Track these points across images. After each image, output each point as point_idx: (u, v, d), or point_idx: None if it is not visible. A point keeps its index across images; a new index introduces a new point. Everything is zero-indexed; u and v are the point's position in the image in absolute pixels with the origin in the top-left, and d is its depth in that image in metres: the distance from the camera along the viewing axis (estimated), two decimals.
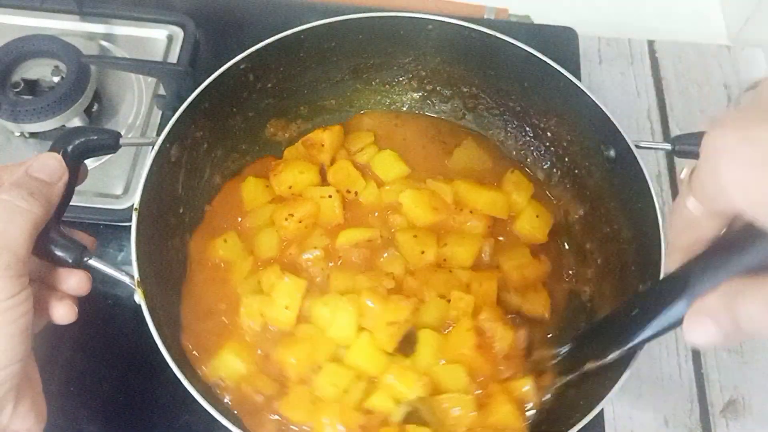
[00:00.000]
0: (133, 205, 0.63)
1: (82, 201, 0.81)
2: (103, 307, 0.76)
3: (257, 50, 0.72)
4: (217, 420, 0.57)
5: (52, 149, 0.56)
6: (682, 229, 0.42)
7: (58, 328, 0.57)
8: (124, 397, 0.75)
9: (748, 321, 0.35)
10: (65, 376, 0.73)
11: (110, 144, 0.61)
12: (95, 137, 0.59)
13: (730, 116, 0.36)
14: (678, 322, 0.41)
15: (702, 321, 0.38)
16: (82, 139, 0.58)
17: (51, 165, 0.54)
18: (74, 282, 0.56)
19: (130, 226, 0.62)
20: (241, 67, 0.72)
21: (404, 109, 0.86)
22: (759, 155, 0.33)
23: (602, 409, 0.59)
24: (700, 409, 0.79)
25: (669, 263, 0.44)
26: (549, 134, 0.79)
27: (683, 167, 0.40)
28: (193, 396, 0.58)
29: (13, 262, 0.48)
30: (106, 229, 0.83)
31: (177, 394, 0.57)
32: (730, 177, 0.34)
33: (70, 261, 0.55)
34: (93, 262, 0.56)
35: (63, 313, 0.56)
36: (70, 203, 0.58)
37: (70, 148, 0.57)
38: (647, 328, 0.48)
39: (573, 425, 0.59)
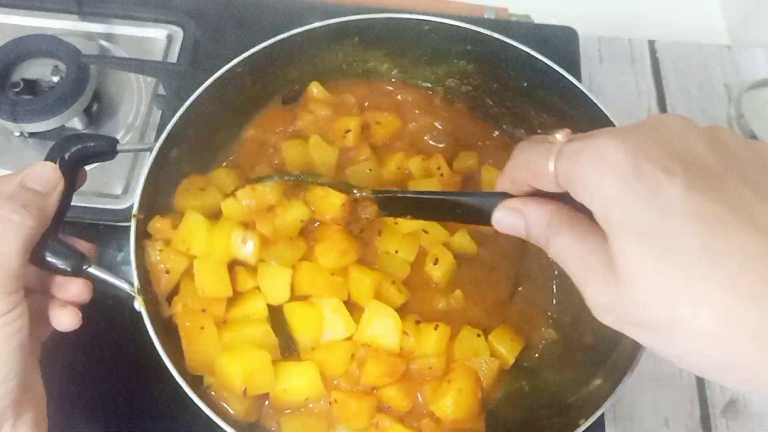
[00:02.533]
0: (132, 205, 0.63)
1: (81, 201, 0.80)
2: (102, 307, 0.75)
3: (253, 54, 0.71)
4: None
5: (48, 158, 0.55)
6: (525, 170, 0.42)
7: (57, 329, 0.57)
8: (124, 397, 0.75)
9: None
10: (65, 377, 0.73)
11: (107, 150, 0.60)
12: (92, 144, 0.59)
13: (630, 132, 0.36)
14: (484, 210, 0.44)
15: (508, 213, 0.43)
16: (79, 146, 0.57)
17: (46, 175, 0.53)
18: (74, 290, 0.56)
19: (130, 226, 0.62)
20: (238, 71, 0.71)
21: None
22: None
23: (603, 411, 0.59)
24: (700, 409, 0.79)
25: (499, 183, 0.45)
26: (547, 134, 0.79)
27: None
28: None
29: (5, 278, 0.48)
30: (106, 230, 0.82)
31: (177, 394, 0.57)
32: (600, 195, 0.35)
33: (69, 270, 0.54)
34: (93, 270, 0.56)
35: (66, 320, 0.55)
36: (70, 206, 0.57)
37: (66, 155, 0.56)
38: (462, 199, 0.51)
39: (575, 427, 0.59)
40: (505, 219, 0.43)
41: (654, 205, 0.33)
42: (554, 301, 0.74)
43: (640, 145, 0.34)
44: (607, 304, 0.35)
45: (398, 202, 0.61)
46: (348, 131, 0.75)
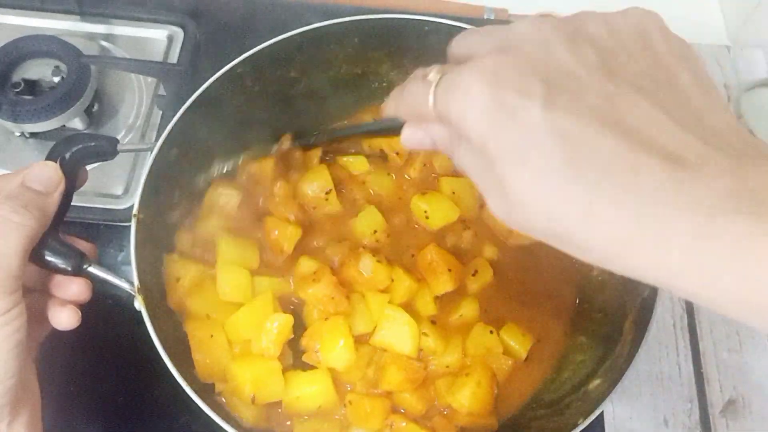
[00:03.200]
0: (133, 205, 0.63)
1: (82, 201, 0.81)
2: (103, 307, 0.75)
3: (254, 54, 0.71)
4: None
5: (49, 157, 0.56)
6: (410, 107, 0.43)
7: (56, 329, 0.57)
8: (124, 397, 0.75)
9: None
10: (65, 377, 0.73)
11: (108, 150, 0.60)
12: (93, 144, 0.59)
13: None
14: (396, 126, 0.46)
15: (413, 129, 0.43)
16: (80, 146, 0.57)
17: (47, 174, 0.53)
18: (74, 290, 0.55)
19: (131, 226, 0.62)
20: (239, 70, 0.72)
21: None
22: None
23: (602, 410, 0.59)
24: (699, 409, 0.79)
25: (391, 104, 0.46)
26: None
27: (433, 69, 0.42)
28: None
29: (4, 278, 0.47)
30: (106, 230, 0.83)
31: (177, 394, 0.57)
32: (468, 126, 0.36)
33: (69, 269, 0.54)
34: (93, 270, 0.56)
35: (65, 319, 0.55)
36: (70, 205, 0.57)
37: (67, 155, 0.56)
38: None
39: (575, 426, 0.59)
40: (413, 136, 0.44)
41: (517, 131, 0.34)
42: None
43: (499, 71, 0.35)
44: (504, 212, 0.37)
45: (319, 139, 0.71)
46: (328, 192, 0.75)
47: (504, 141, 0.34)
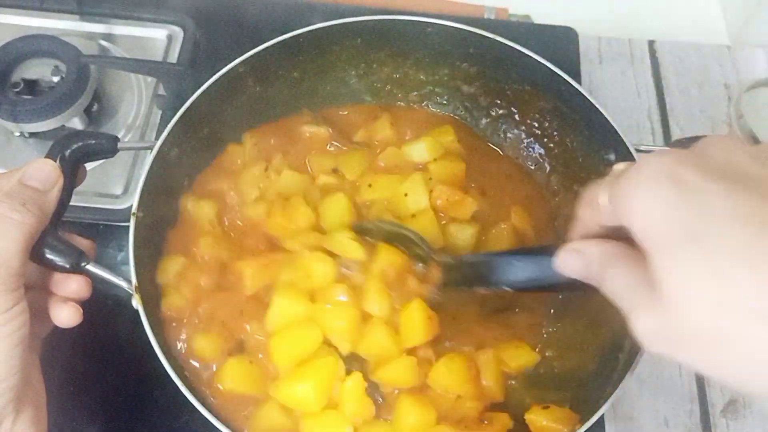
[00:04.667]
0: (132, 205, 0.63)
1: (81, 201, 0.81)
2: (102, 307, 0.75)
3: (255, 54, 0.71)
4: None
5: (48, 155, 0.56)
6: (587, 207, 0.42)
7: (57, 329, 0.57)
8: (124, 397, 0.75)
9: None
10: (64, 377, 0.73)
11: (108, 148, 0.60)
12: (93, 142, 0.59)
13: (669, 153, 0.35)
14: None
15: (569, 254, 0.43)
16: (80, 144, 0.58)
17: (45, 172, 0.53)
18: (73, 287, 0.56)
19: (129, 225, 0.62)
20: (240, 70, 0.71)
21: None
22: (675, 199, 0.33)
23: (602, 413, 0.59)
24: (700, 409, 0.79)
25: (570, 232, 0.45)
26: (550, 137, 0.79)
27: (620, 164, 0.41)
28: None
29: (6, 276, 0.48)
30: (106, 230, 0.83)
31: (177, 394, 0.57)
32: (639, 209, 0.35)
33: (68, 267, 0.54)
34: (91, 267, 0.56)
35: (67, 316, 0.55)
36: (69, 203, 0.57)
37: (67, 153, 0.56)
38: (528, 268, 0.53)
39: (574, 427, 0.59)
40: (565, 260, 0.43)
41: (692, 209, 0.32)
42: (552, 311, 0.74)
43: (679, 157, 0.34)
44: (654, 329, 0.34)
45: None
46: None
47: (672, 219, 0.32)
